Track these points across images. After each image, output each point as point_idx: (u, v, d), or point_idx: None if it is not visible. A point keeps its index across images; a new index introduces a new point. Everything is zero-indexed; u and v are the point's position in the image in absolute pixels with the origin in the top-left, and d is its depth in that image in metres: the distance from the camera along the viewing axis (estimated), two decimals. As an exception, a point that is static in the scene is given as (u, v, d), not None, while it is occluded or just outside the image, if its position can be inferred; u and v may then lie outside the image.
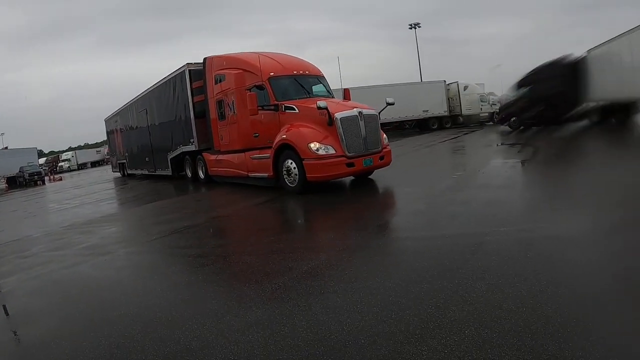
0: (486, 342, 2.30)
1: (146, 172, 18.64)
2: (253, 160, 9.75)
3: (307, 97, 9.26)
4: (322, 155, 7.78)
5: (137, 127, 18.70)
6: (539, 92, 18.38)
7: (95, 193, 15.75)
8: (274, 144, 8.72)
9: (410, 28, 45.71)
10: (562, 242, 3.75)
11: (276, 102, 8.95)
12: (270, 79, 9.12)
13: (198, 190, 11.82)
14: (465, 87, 31.21)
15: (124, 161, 21.91)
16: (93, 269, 4.90)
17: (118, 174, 23.65)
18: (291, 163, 8.41)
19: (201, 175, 12.97)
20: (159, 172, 16.76)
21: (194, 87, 12.46)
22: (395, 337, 2.47)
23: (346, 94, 10.52)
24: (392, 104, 9.14)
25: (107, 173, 28.05)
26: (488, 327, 2.45)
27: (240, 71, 9.80)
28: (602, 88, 16.70)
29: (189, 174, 14.00)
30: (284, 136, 8.49)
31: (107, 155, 35.72)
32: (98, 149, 63.75)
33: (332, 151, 7.84)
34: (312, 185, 8.13)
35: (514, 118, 20.03)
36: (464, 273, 3.24)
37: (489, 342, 2.29)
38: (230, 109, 10.32)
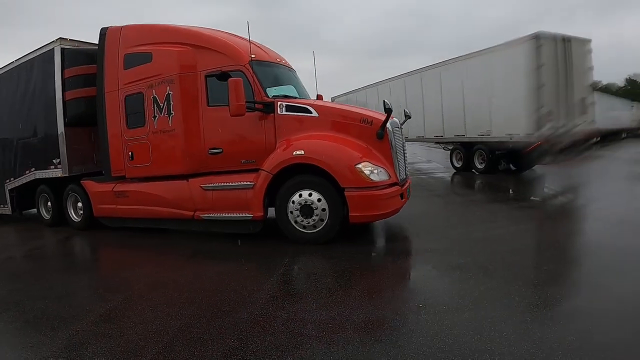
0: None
1: None
2: (207, 191, 6.03)
3: (295, 97, 6.35)
4: (377, 182, 5.04)
5: None
6: None
7: None
8: (269, 164, 5.56)
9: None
10: None
11: (268, 99, 5.76)
12: (252, 63, 5.83)
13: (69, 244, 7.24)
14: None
15: None
16: None
17: None
18: (311, 195, 5.39)
19: (73, 216, 7.95)
20: None
21: (67, 75, 7.64)
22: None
23: (319, 97, 7.64)
24: (410, 117, 7.02)
25: None
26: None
27: (187, 48, 6.13)
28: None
29: (46, 215, 8.60)
30: (300, 152, 5.40)
31: None
32: None
33: (385, 176, 5.18)
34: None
35: None
36: None
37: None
38: (159, 108, 6.33)
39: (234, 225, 5.99)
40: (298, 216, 5.45)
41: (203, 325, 3.30)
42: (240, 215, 5.83)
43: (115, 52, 6.84)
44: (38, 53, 8.15)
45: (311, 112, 5.76)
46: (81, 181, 7.60)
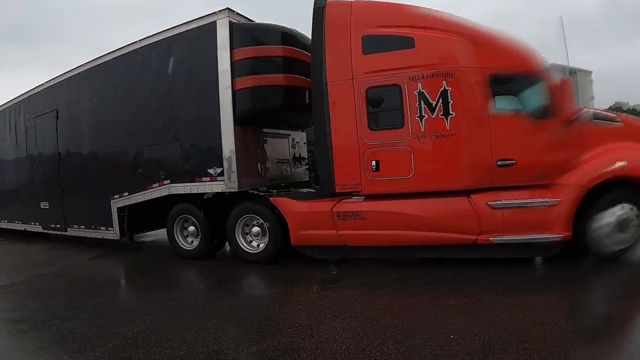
0: None
1: (35, 228, 9.11)
2: (497, 210, 4.89)
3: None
4: None
5: (22, 144, 9.20)
6: None
7: None
8: (580, 177, 4.77)
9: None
10: None
11: (576, 107, 5.03)
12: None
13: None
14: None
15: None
16: None
17: None
18: (633, 209, 4.71)
19: (243, 245, 6.09)
20: (75, 231, 7.99)
21: (236, 58, 5.86)
22: None
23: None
24: None
25: None
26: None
27: (463, 39, 4.94)
28: None
29: (185, 244, 6.60)
30: (622, 163, 4.69)
31: None
32: None
33: None
34: None
35: None
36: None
37: None
38: (430, 107, 4.99)
39: (531, 249, 4.98)
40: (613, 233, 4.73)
41: (231, 352, 3.23)
42: (544, 236, 4.82)
43: (344, 32, 5.27)
44: (183, 29, 6.19)
45: (617, 122, 5.08)
46: (271, 198, 5.88)
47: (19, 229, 9.81)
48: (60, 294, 5.14)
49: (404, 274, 5.11)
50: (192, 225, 6.52)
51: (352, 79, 5.25)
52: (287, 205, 5.77)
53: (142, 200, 6.71)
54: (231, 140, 5.80)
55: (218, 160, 5.86)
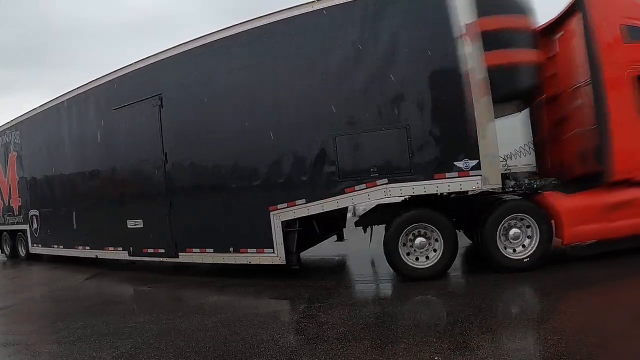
0: None
1: (115, 254, 7.01)
2: None
3: None
4: None
5: (92, 146, 7.27)
6: None
7: None
8: None
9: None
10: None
11: None
12: None
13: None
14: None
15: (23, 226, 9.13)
16: None
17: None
18: None
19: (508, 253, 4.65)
20: (194, 257, 6.01)
21: (483, 28, 4.38)
22: None
23: None
24: None
25: None
26: None
27: None
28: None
29: (410, 261, 4.76)
30: None
31: None
32: None
33: None
34: None
35: None
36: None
37: None
38: None
39: None
40: None
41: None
42: None
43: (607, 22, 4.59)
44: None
45: None
46: (545, 193, 4.65)
47: (85, 256, 7.50)
48: (45, 318, 5.05)
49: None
50: (420, 237, 4.79)
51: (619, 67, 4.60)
52: (560, 200, 4.62)
53: (330, 209, 4.97)
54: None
55: (469, 150, 4.41)
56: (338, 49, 4.88)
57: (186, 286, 6.02)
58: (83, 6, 39.14)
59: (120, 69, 6.66)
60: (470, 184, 4.47)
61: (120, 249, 6.78)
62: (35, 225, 8.71)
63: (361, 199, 4.93)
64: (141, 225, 6.41)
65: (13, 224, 9.49)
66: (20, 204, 9.19)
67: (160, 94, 6.06)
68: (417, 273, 4.77)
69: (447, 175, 4.51)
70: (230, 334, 3.66)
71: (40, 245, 8.66)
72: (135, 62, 6.48)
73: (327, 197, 4.97)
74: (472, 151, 4.40)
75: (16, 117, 9.34)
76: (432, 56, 4.57)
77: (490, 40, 4.49)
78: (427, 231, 4.77)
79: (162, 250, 6.24)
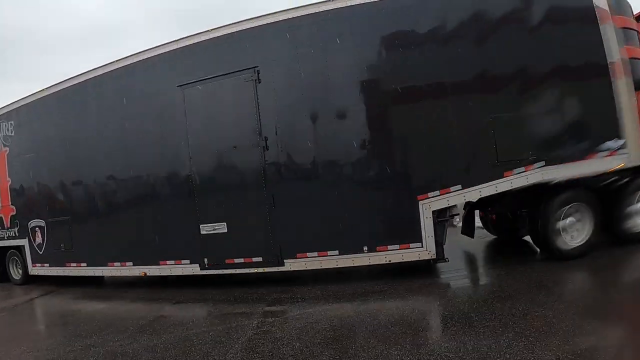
0: None
1: (179, 269, 5.58)
2: None
3: None
4: None
5: (142, 133, 5.74)
6: None
7: None
8: None
9: None
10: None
11: None
12: None
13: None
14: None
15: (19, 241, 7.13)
16: None
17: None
18: None
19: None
20: (304, 263, 4.91)
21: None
22: None
23: None
24: None
25: None
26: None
27: None
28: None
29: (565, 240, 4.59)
30: None
31: None
32: None
33: None
34: None
35: None
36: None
37: None
38: None
39: None
40: None
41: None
42: None
43: None
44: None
45: None
46: None
47: (123, 274, 5.97)
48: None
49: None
50: (570, 217, 4.57)
51: None
52: None
53: (488, 194, 4.41)
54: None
55: (616, 130, 4.39)
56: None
57: (138, 301, 5.59)
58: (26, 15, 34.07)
59: (186, 37, 5.39)
60: (617, 162, 4.42)
61: (187, 262, 5.38)
62: (39, 240, 6.83)
63: (520, 182, 4.41)
64: (224, 230, 5.14)
65: (1, 238, 7.42)
66: (13, 214, 7.19)
67: (256, 67, 4.97)
68: (567, 253, 4.59)
69: (598, 155, 4.38)
70: (181, 354, 3.38)
71: (47, 265, 6.76)
72: (210, 30, 5.28)
73: (484, 182, 4.38)
74: (620, 131, 4.40)
75: (5, 105, 7.41)
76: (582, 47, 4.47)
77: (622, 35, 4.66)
78: (576, 211, 4.62)
79: (259, 259, 5.04)
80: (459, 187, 4.41)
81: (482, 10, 4.53)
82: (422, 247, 4.47)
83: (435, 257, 4.47)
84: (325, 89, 4.76)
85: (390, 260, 4.59)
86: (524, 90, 4.47)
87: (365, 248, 4.64)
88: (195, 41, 5.31)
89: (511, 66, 4.52)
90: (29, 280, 7.18)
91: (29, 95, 6.90)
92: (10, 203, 7.21)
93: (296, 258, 4.91)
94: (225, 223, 5.15)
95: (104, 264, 6.05)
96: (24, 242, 7.04)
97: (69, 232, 6.40)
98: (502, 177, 4.38)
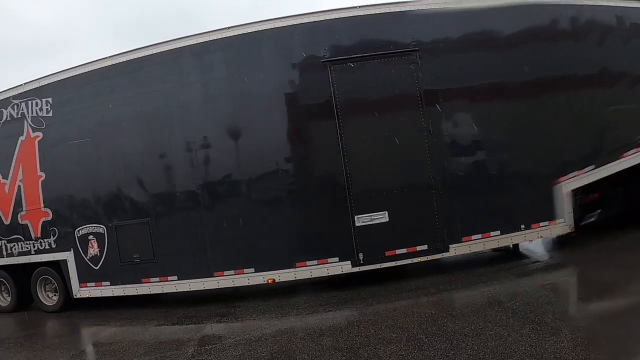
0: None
1: (331, 270, 5.03)
2: None
3: None
4: None
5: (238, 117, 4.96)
6: None
7: None
8: None
9: None
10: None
11: None
12: None
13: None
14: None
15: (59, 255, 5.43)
16: None
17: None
18: None
19: None
20: (466, 246, 5.01)
21: None
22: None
23: None
24: None
25: None
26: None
27: None
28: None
29: None
30: None
31: None
32: None
33: None
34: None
35: None
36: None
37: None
38: None
39: None
40: None
41: None
42: None
43: None
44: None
45: None
46: None
47: (242, 284, 4.92)
48: None
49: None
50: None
51: None
52: None
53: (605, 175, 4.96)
54: None
55: None
56: None
57: (88, 318, 5.30)
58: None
59: (331, 10, 4.83)
60: None
61: (335, 260, 4.71)
62: (93, 251, 5.28)
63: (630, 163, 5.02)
64: (385, 219, 4.65)
65: (26, 253, 5.57)
66: (46, 219, 5.47)
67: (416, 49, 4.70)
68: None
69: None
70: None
71: (106, 283, 5.24)
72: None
73: (608, 162, 4.95)
74: None
75: (30, 80, 5.70)
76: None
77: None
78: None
79: (424, 247, 4.69)
80: (592, 167, 4.90)
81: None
82: (563, 221, 4.82)
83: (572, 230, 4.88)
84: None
85: (541, 236, 5.00)
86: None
87: (523, 226, 4.83)
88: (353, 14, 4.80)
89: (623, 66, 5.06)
90: (69, 305, 5.53)
91: (78, 66, 5.44)
92: (42, 205, 5.51)
93: (461, 242, 4.74)
94: (386, 211, 4.67)
95: (207, 274, 4.93)
96: (66, 255, 5.40)
97: (148, 238, 5.09)
98: (619, 157, 4.96)
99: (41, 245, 5.56)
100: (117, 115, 5.21)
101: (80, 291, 5.38)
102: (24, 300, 5.82)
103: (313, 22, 4.85)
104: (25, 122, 5.63)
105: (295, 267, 4.78)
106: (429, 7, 4.80)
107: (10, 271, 5.82)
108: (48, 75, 5.61)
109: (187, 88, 5.04)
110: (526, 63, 4.88)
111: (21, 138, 5.67)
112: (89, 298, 5.34)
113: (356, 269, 4.75)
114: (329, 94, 4.75)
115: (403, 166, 4.77)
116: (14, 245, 5.72)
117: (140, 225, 5.14)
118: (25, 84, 5.71)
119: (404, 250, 4.71)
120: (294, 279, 4.86)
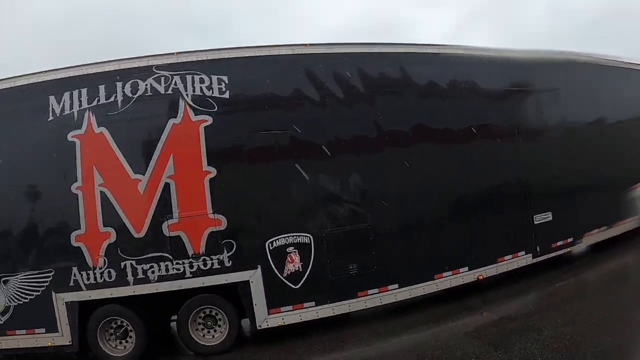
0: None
1: None
2: None
3: None
4: None
5: None
6: None
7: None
8: None
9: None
10: None
11: None
12: None
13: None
14: None
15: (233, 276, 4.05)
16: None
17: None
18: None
19: None
20: None
21: None
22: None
23: None
24: None
25: None
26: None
27: None
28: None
29: None
30: None
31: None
32: None
33: None
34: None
35: None
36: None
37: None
38: None
39: None
40: None
41: None
42: None
43: None
44: None
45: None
46: None
47: (463, 281, 4.87)
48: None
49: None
50: None
51: None
52: None
53: None
54: None
55: None
56: None
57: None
58: None
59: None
60: None
61: (523, 252, 5.32)
62: (293, 267, 4.16)
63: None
64: (550, 219, 5.58)
65: (174, 277, 3.85)
66: (217, 229, 4.00)
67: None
68: None
69: None
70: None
71: (309, 304, 4.22)
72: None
73: None
74: None
75: (192, 50, 4.24)
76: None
77: None
78: None
79: (570, 239, 5.78)
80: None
81: None
82: None
83: None
84: None
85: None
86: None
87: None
88: None
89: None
90: (240, 341, 4.04)
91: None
92: (210, 211, 4.04)
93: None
94: (550, 212, 5.67)
95: (429, 278, 4.75)
96: (249, 275, 4.09)
97: (366, 245, 4.53)
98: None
99: (204, 265, 4.05)
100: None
101: (269, 319, 4.16)
102: (149, 346, 3.97)
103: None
104: (181, 101, 4.20)
105: (498, 262, 5.19)
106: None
107: (137, 305, 3.94)
108: (208, 50, 4.43)
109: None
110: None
111: (173, 121, 4.17)
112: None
113: (536, 260, 5.54)
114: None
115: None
116: (152, 267, 3.96)
117: (356, 232, 4.53)
118: (179, 53, 4.31)
119: (561, 242, 5.77)
120: (495, 273, 5.20)
